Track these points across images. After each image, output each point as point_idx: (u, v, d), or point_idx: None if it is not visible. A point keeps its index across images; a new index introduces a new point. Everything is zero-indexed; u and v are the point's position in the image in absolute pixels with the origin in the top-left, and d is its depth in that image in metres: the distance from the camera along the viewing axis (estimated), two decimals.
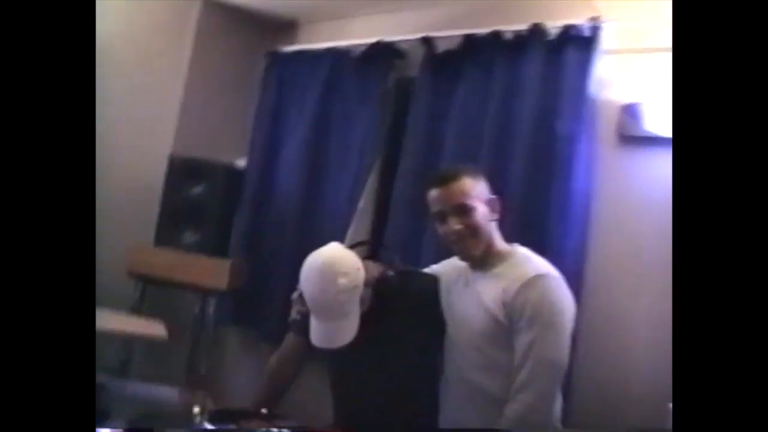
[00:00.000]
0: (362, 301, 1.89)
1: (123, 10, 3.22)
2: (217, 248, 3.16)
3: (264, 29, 3.62)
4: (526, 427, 1.75)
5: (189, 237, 3.17)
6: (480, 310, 1.90)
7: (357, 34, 3.27)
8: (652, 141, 2.39)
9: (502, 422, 1.78)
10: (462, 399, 1.95)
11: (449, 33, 2.89)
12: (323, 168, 3.25)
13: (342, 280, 1.82)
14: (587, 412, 2.06)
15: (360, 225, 3.19)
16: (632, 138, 2.45)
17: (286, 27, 3.65)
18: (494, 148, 2.64)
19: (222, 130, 3.52)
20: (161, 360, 3.11)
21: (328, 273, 1.84)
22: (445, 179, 1.99)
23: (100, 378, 1.65)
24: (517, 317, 1.82)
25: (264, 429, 1.87)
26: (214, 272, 3.05)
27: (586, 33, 2.49)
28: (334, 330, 1.88)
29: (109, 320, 2.44)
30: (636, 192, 2.43)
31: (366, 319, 1.89)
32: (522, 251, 1.99)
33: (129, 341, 3.07)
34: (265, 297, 3.19)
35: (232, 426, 1.87)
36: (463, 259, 2.01)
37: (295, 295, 2.08)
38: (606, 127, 2.49)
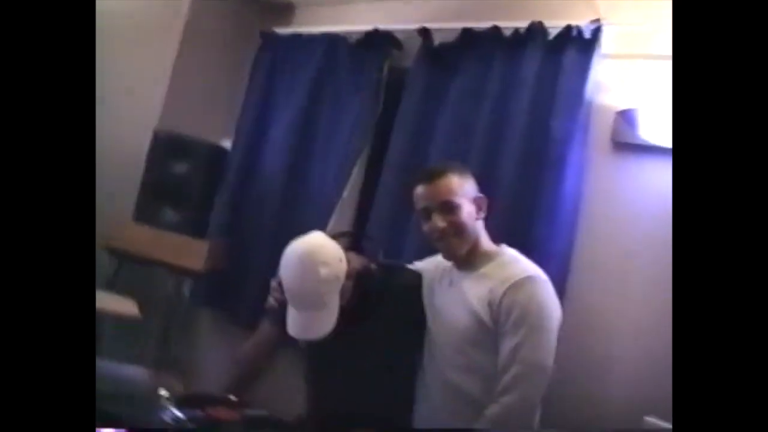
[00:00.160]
0: (342, 293, 1.85)
1: None
2: (196, 228, 3.10)
3: (260, 9, 3.55)
4: (507, 430, 1.72)
5: (169, 215, 3.11)
6: (464, 311, 1.87)
7: (354, 21, 3.21)
8: (646, 149, 2.35)
9: (482, 422, 1.75)
10: (439, 399, 1.92)
11: (447, 25, 2.84)
12: (309, 154, 3.19)
13: (323, 270, 1.78)
14: (565, 415, 2.02)
15: (343, 215, 3.14)
16: (626, 145, 2.41)
17: (283, 9, 3.58)
18: (485, 146, 2.59)
19: (210, 108, 3.44)
20: (131, 338, 3.04)
21: (309, 262, 1.79)
22: (432, 176, 1.96)
23: None
24: (503, 319, 1.79)
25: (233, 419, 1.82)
26: (191, 252, 2.99)
27: (587, 35, 2.45)
28: (312, 321, 1.83)
29: None
30: (626, 200, 2.40)
31: (345, 312, 1.85)
32: (510, 252, 1.95)
33: (99, 317, 2.99)
34: (241, 281, 3.13)
35: (199, 411, 1.82)
36: (447, 257, 1.98)
37: (273, 281, 2.04)
38: (600, 132, 2.45)
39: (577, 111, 2.42)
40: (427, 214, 1.94)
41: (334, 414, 2.04)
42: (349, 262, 1.88)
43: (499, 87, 2.62)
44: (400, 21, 3.04)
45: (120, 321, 2.90)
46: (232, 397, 1.98)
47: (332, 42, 3.21)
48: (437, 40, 2.86)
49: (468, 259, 1.94)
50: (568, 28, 2.50)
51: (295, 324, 1.86)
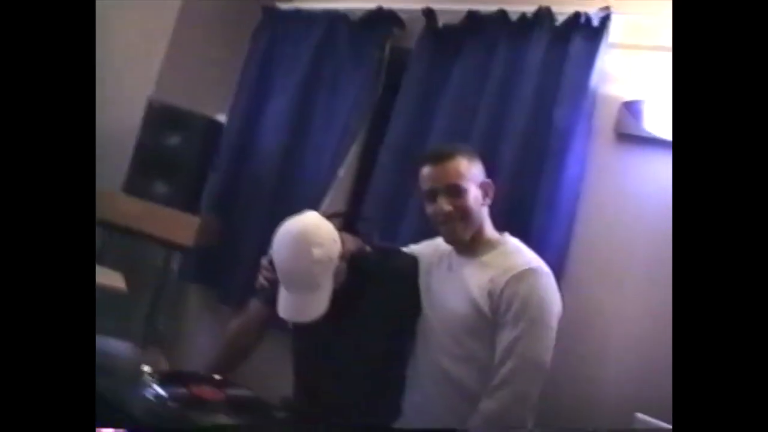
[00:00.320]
0: (336, 275, 1.81)
1: None
2: (187, 203, 3.03)
3: None
4: (501, 426, 1.68)
5: (160, 188, 3.03)
6: (463, 298, 1.82)
7: None
8: (650, 142, 2.31)
9: (476, 418, 1.71)
10: (431, 387, 1.88)
11: (453, 7, 2.77)
12: (306, 132, 3.12)
13: (316, 251, 1.73)
14: (555, 410, 1.99)
15: (338, 195, 3.09)
16: (630, 137, 2.36)
17: None
18: (486, 131, 2.54)
19: (207, 81, 3.36)
20: (117, 312, 2.99)
21: (303, 242, 1.74)
22: (440, 157, 1.90)
23: None
24: (503, 310, 1.74)
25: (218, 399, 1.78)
26: (181, 227, 2.94)
27: (595, 22, 2.40)
28: (304, 303, 1.79)
29: None
30: (627, 193, 2.35)
31: (338, 295, 1.81)
32: (512, 241, 1.91)
33: None
34: (232, 258, 3.08)
35: (182, 390, 1.78)
36: (449, 242, 1.93)
37: (264, 260, 1.99)
38: (604, 123, 2.41)
39: (582, 100, 2.38)
40: (433, 196, 1.89)
41: (321, 398, 2.00)
42: (343, 242, 1.83)
43: (503, 72, 2.57)
44: (404, 0, 2.97)
45: (107, 295, 2.86)
46: (217, 377, 1.94)
47: (334, 19, 3.13)
48: (442, 21, 2.80)
49: (470, 245, 1.89)
50: (576, 15, 2.44)
51: (286, 305, 1.81)
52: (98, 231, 3.00)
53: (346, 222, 2.04)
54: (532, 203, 2.40)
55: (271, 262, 1.92)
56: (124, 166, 3.06)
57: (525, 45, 2.54)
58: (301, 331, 2.02)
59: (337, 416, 1.92)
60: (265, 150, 3.18)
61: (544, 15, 2.52)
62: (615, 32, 2.40)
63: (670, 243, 2.20)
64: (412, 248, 2.14)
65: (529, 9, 2.56)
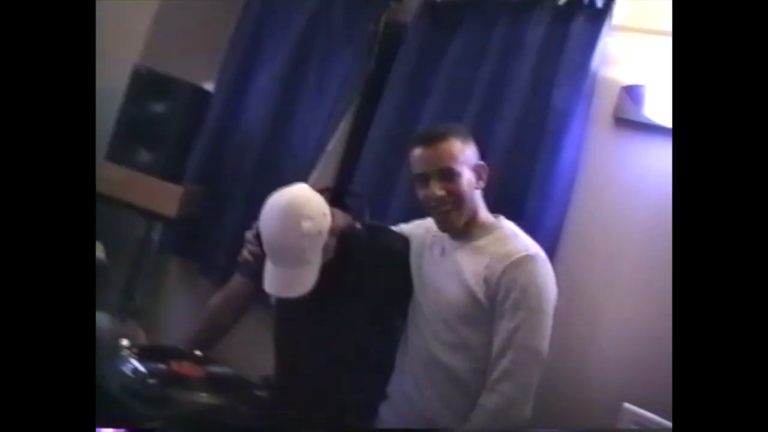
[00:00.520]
0: (325, 251, 1.75)
1: None
2: (171, 172, 2.94)
3: None
4: (506, 421, 1.63)
5: (143, 156, 2.94)
6: (457, 284, 1.77)
7: None
8: (649, 128, 2.26)
9: (479, 413, 1.66)
10: (421, 373, 1.82)
11: None
12: (295, 105, 3.02)
13: (306, 224, 1.67)
14: (542, 397, 1.95)
15: (325, 170, 3.02)
16: (628, 122, 2.31)
17: None
18: (482, 111, 2.47)
19: (195, 49, 3.25)
20: (96, 283, 2.92)
21: (292, 215, 1.68)
22: (432, 139, 1.83)
23: None
24: (500, 299, 1.69)
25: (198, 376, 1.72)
26: (164, 197, 2.85)
27: (599, 4, 2.33)
28: (291, 277, 1.73)
29: None
30: (623, 180, 2.31)
31: (326, 271, 1.75)
32: (508, 225, 1.86)
33: None
34: (215, 231, 3.00)
35: (162, 365, 1.73)
36: (442, 229, 1.86)
37: (248, 233, 1.93)
38: (603, 107, 2.36)
39: (582, 82, 2.32)
40: (425, 179, 1.82)
41: (304, 377, 1.95)
42: (333, 217, 1.77)
43: (502, 50, 2.50)
44: None
45: None
46: (198, 353, 1.88)
47: None
48: None
49: (464, 228, 1.84)
50: None
51: (272, 280, 1.75)
52: None
53: (336, 198, 1.98)
54: (526, 186, 2.34)
55: (256, 236, 1.86)
56: (106, 133, 2.96)
57: (525, 23, 2.46)
58: (285, 307, 1.96)
59: (319, 396, 1.88)
60: (252, 121, 3.08)
61: None
62: (618, 15, 2.34)
63: (663, 232, 2.21)
64: (402, 228, 2.08)
65: None
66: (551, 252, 2.23)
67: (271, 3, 3.19)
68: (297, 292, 1.73)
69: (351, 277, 1.86)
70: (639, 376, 2.16)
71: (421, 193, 1.84)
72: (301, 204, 1.71)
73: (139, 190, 2.83)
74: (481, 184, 1.87)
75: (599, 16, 2.33)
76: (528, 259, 1.74)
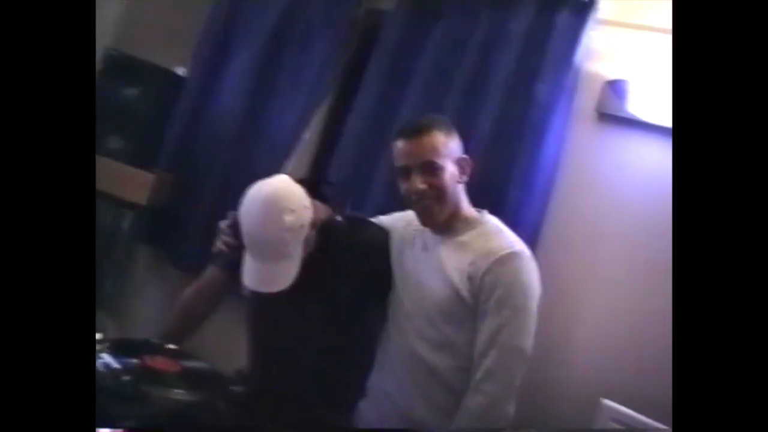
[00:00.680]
0: (306, 244, 1.70)
1: None
2: (142, 159, 2.87)
3: None
4: (489, 420, 1.61)
5: (113, 142, 2.87)
6: (440, 280, 1.73)
7: None
8: (632, 123, 2.25)
9: (464, 414, 1.63)
10: (403, 370, 1.78)
11: None
12: (270, 92, 2.95)
13: (288, 218, 1.62)
14: (521, 393, 1.93)
15: (302, 159, 2.97)
16: (611, 117, 2.30)
17: None
18: (463, 103, 2.44)
19: (169, 32, 3.15)
20: None
21: (274, 207, 1.63)
22: (415, 132, 1.78)
23: None
24: (484, 297, 1.66)
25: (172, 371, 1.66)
26: (135, 184, 2.78)
27: None
28: (272, 272, 1.68)
29: None
30: (604, 175, 2.30)
31: (306, 264, 1.70)
32: (492, 221, 1.82)
33: None
34: (187, 220, 2.92)
35: (134, 360, 1.66)
36: (424, 224, 1.82)
37: (222, 223, 1.87)
38: (586, 102, 2.34)
39: (565, 75, 2.30)
40: (406, 173, 1.77)
41: (278, 372, 1.90)
42: (315, 209, 1.72)
43: (484, 41, 2.46)
44: None
45: None
46: (171, 347, 1.82)
47: None
48: None
49: (447, 223, 1.80)
50: None
51: (252, 275, 1.70)
52: None
53: (315, 189, 1.93)
54: (508, 179, 2.32)
55: (230, 226, 1.81)
56: None
57: (509, 14, 2.43)
58: (261, 300, 1.90)
59: (296, 391, 1.83)
60: (226, 108, 3.00)
61: None
62: (603, 9, 2.32)
63: (644, 227, 2.20)
64: (382, 219, 2.03)
65: None
66: (532, 245, 2.21)
67: None
68: (278, 287, 1.68)
69: (331, 270, 1.82)
70: (618, 371, 2.15)
71: (402, 186, 1.80)
72: (282, 197, 1.66)
73: (108, 176, 2.72)
74: (465, 177, 1.83)
75: (584, 9, 2.31)
76: (513, 256, 1.70)
